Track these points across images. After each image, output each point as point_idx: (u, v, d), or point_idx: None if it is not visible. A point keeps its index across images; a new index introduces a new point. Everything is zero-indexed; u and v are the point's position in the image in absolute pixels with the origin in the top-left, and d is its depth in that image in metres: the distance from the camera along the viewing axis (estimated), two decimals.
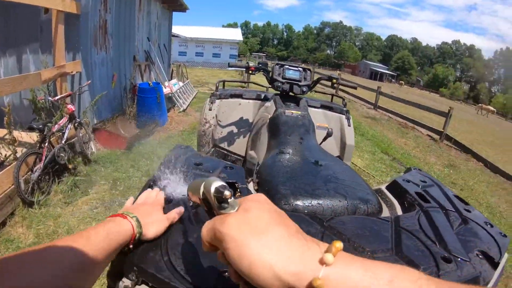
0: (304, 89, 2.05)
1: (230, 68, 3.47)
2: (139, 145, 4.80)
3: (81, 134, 3.78)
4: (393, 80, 60.11)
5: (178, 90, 8.03)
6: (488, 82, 67.73)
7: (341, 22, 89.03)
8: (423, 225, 1.02)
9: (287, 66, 2.09)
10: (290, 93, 2.07)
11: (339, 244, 0.34)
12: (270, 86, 2.14)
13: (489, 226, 1.11)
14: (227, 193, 0.40)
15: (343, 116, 2.35)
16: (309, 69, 2.14)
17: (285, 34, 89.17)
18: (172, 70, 10.88)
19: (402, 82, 48.47)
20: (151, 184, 0.94)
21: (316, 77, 2.34)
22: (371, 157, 5.93)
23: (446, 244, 0.93)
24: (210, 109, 2.22)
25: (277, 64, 2.09)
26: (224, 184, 0.42)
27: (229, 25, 72.25)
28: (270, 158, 1.49)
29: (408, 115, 10.02)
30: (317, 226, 0.93)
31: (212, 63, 26.20)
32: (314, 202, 1.09)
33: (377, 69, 59.47)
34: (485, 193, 5.42)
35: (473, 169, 6.70)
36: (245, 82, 3.10)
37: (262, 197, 0.43)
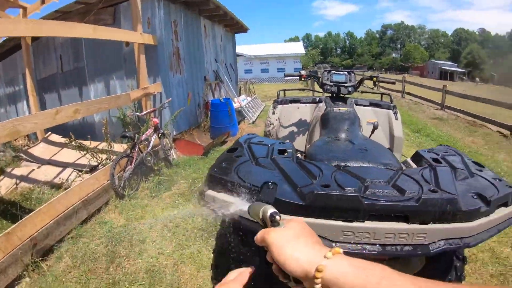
0: (350, 89, 2.38)
1: (286, 78, 3.84)
2: (214, 152, 5.42)
3: (164, 143, 4.49)
4: (465, 78, 54.52)
5: (247, 105, 8.67)
6: None
7: (402, 22, 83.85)
8: (424, 175, 1.25)
9: (333, 72, 2.45)
10: (340, 94, 2.39)
11: (338, 249, 0.51)
12: (322, 91, 2.50)
13: (497, 180, 1.29)
14: (277, 217, 0.60)
15: (391, 111, 2.56)
16: (353, 72, 2.48)
17: (347, 42, 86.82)
18: (240, 87, 11.70)
19: (478, 79, 43.53)
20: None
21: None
22: None
23: (440, 184, 1.15)
24: (273, 113, 2.59)
25: (325, 70, 2.47)
26: (276, 211, 0.61)
27: (291, 40, 73.04)
28: (317, 141, 1.85)
29: (477, 113, 9.24)
30: (337, 170, 1.23)
31: (277, 78, 26.85)
32: (347, 163, 1.40)
33: (446, 67, 54.93)
34: None
35: None
36: (301, 90, 3.50)
37: (299, 219, 0.64)
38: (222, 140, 6.05)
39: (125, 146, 4.02)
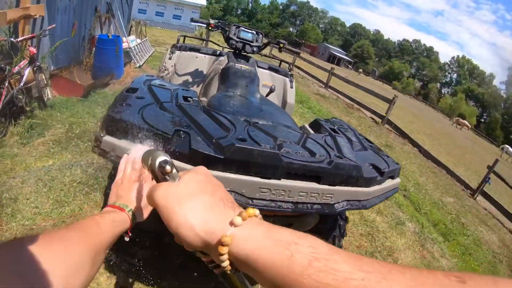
0: (255, 49, 2.39)
1: (192, 23, 3.60)
2: (95, 94, 4.89)
3: (39, 79, 3.82)
4: (349, 66, 61.98)
5: (136, 47, 7.97)
6: (440, 84, 72.95)
7: (308, 2, 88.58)
8: (327, 141, 1.38)
9: (242, 28, 2.39)
10: (243, 52, 2.38)
11: (252, 211, 0.39)
12: (226, 45, 2.46)
13: (385, 156, 1.51)
14: (168, 167, 0.45)
15: (287, 79, 2.69)
16: (262, 33, 2.47)
17: (250, 5, 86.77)
18: (131, 27, 10.54)
19: (361, 70, 49.76)
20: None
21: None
22: None
23: (342, 152, 1.29)
24: (170, 58, 2.46)
25: (234, 25, 2.40)
26: (167, 159, 0.47)
27: None
28: (218, 94, 1.85)
29: (356, 98, 10.74)
30: (248, 125, 1.23)
31: (172, 24, 25.14)
32: (254, 119, 1.40)
33: (336, 53, 60.72)
34: (415, 173, 6.17)
35: (407, 152, 7.47)
36: (203, 40, 3.35)
37: (201, 169, 0.48)
38: (105, 82, 5.48)
39: None
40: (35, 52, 3.58)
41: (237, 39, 2.34)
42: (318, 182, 1.12)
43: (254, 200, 1.05)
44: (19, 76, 3.47)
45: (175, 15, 25.56)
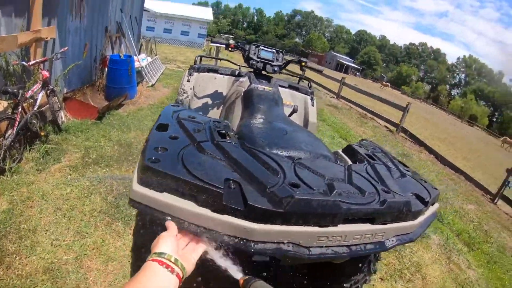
0: (276, 68, 2.30)
1: (212, 44, 3.59)
2: (110, 116, 4.79)
3: (52, 102, 3.72)
4: (357, 73, 61.98)
5: (147, 65, 7.91)
6: (449, 85, 71.94)
7: (312, 11, 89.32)
8: (369, 172, 1.31)
9: (262, 47, 2.31)
10: (263, 72, 2.29)
11: None
12: (244, 64, 2.37)
13: (423, 181, 1.43)
14: None
15: (308, 97, 2.62)
16: (282, 52, 2.39)
17: (255, 18, 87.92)
18: (141, 45, 10.58)
19: (386, 83, 48.07)
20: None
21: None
22: (330, 141, 6.35)
23: (386, 184, 1.22)
24: (188, 81, 2.37)
25: (253, 44, 2.32)
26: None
27: (200, 4, 70.00)
28: (247, 121, 1.73)
29: (368, 107, 10.58)
30: (293, 164, 1.17)
31: (180, 40, 25.49)
32: (290, 153, 1.35)
33: (343, 61, 60.70)
34: (434, 181, 5.87)
35: (424, 160, 7.25)
36: (221, 59, 3.29)
37: None
38: (118, 103, 5.38)
39: (5, 104, 3.15)
40: (48, 75, 3.49)
41: (258, 59, 2.28)
42: (372, 223, 1.09)
43: (311, 249, 0.98)
44: (32, 100, 3.37)
45: (183, 31, 25.89)
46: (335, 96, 11.99)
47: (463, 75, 73.16)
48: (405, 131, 8.88)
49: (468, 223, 4.70)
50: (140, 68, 7.23)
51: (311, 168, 1.17)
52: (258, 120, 1.73)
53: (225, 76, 2.52)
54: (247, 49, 2.31)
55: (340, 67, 57.24)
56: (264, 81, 2.23)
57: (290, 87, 2.63)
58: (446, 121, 26.97)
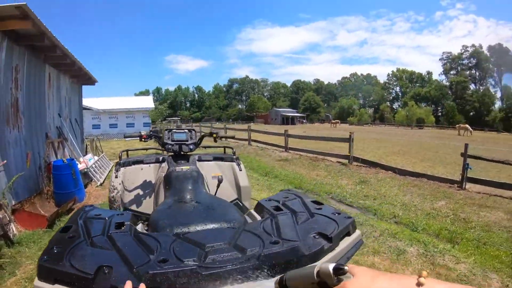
0: (191, 147, 2.43)
1: (127, 139, 3.64)
2: (60, 222, 4.64)
3: (0, 216, 3.58)
4: (304, 120, 65.16)
5: (94, 165, 7.87)
6: (389, 101, 77.38)
7: (247, 76, 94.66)
8: (265, 227, 1.32)
9: (174, 130, 2.45)
10: (182, 152, 2.41)
11: (425, 273, 0.56)
12: (163, 149, 2.47)
13: (336, 214, 1.42)
14: (346, 268, 0.56)
15: (234, 163, 2.67)
16: (193, 129, 2.54)
17: (196, 95, 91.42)
18: (86, 145, 10.57)
19: (338, 121, 50.14)
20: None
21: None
22: None
23: (281, 233, 1.23)
24: (116, 177, 2.39)
25: (166, 129, 2.47)
26: (336, 263, 0.58)
27: (141, 93, 71.60)
28: (159, 206, 1.79)
29: (318, 149, 10.96)
30: (175, 239, 1.20)
31: (126, 133, 25.56)
32: (189, 228, 1.37)
33: (287, 114, 63.83)
34: (398, 195, 6.10)
35: (383, 179, 7.44)
36: (145, 149, 3.33)
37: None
38: (67, 208, 5.22)
39: None
40: None
41: (172, 142, 2.39)
42: (255, 280, 1.03)
43: None
44: None
45: (128, 123, 26.19)
46: (284, 150, 12.40)
47: (398, 87, 79.33)
48: (357, 159, 9.20)
49: (443, 220, 4.74)
50: (86, 169, 7.18)
51: (193, 240, 1.19)
52: (171, 202, 1.76)
53: (150, 164, 2.54)
54: (161, 135, 2.43)
55: (286, 120, 59.91)
56: (183, 161, 2.32)
57: (215, 158, 2.68)
58: (397, 134, 27.87)
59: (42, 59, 6.20)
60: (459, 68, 69.54)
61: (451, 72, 70.40)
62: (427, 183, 6.88)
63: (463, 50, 68.88)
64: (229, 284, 0.99)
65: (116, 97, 29.53)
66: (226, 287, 0.99)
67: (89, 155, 8.81)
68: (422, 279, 0.53)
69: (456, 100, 62.16)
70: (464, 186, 6.34)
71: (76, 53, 6.94)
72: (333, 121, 47.38)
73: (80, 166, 6.73)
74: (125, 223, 1.31)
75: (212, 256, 1.06)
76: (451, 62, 71.10)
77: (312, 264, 0.57)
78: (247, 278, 1.02)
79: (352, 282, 0.56)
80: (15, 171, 4.42)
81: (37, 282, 1.00)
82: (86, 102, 16.65)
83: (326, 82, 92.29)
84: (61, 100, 7.62)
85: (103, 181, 7.59)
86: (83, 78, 9.26)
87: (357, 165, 9.02)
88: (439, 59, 73.99)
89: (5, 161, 3.99)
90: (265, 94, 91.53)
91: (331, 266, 0.56)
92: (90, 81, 10.01)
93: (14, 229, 3.92)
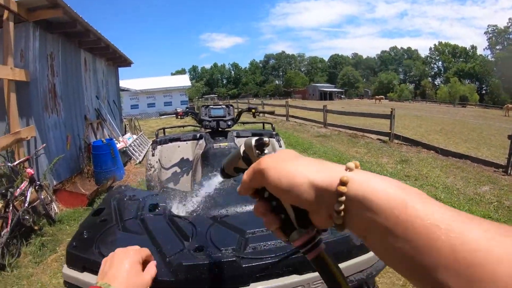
0: (229, 123, 2.36)
1: (162, 117, 3.70)
2: (99, 200, 4.89)
3: (42, 196, 3.86)
4: (342, 96, 63.65)
5: (133, 143, 8.18)
6: (430, 77, 73.54)
7: (283, 52, 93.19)
8: None
9: (211, 106, 2.40)
10: (220, 129, 2.35)
11: (357, 163, 0.39)
12: (201, 126, 2.43)
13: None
14: (266, 139, 0.51)
15: (274, 140, 2.61)
16: (231, 105, 2.48)
17: (232, 72, 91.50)
18: (125, 125, 11.02)
19: (383, 97, 48.74)
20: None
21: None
22: None
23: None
24: (153, 155, 2.40)
25: (203, 106, 2.42)
26: (261, 137, 0.53)
27: (178, 72, 73.13)
28: (196, 185, 1.76)
29: (357, 125, 10.63)
30: (212, 224, 1.14)
31: (165, 111, 26.35)
32: (228, 210, 1.28)
33: (325, 89, 62.60)
34: (440, 177, 5.79)
35: (425, 159, 7.08)
36: (182, 126, 3.31)
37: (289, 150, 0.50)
38: (107, 186, 5.51)
39: None
40: (33, 172, 3.67)
41: (210, 119, 2.34)
42: (299, 274, 0.93)
43: None
44: (22, 198, 3.52)
45: (166, 102, 26.85)
46: (322, 126, 12.16)
47: (440, 62, 74.95)
48: (398, 137, 8.80)
49: (487, 207, 4.50)
50: (125, 148, 7.49)
51: (232, 224, 1.11)
52: (205, 182, 1.71)
53: (187, 142, 2.53)
54: (198, 112, 2.41)
55: (324, 96, 58.73)
56: (220, 138, 2.27)
57: (254, 134, 2.61)
58: (439, 111, 26.37)
59: (77, 45, 6.43)
60: (505, 43, 64.07)
61: (497, 47, 65.05)
62: (471, 165, 6.44)
63: (510, 24, 63.03)
64: (273, 277, 0.90)
65: (153, 77, 30.33)
66: (268, 281, 0.90)
67: (128, 134, 9.18)
68: (351, 164, 0.38)
69: (502, 77, 56.71)
70: (510, 171, 5.86)
71: (112, 36, 7.13)
72: (377, 96, 45.71)
73: (119, 145, 7.04)
74: (160, 204, 1.28)
75: (253, 245, 0.97)
76: (497, 36, 65.69)
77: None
78: (291, 271, 0.92)
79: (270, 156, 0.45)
80: (56, 153, 4.72)
81: (65, 269, 0.98)
82: (124, 83, 17.19)
83: (364, 56, 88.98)
84: (98, 83, 7.93)
85: (142, 159, 7.89)
86: (118, 60, 9.55)
87: (398, 143, 8.60)
88: (484, 33, 68.83)
89: (44, 144, 4.25)
90: (302, 69, 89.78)
91: (254, 138, 0.52)
92: (126, 63, 10.31)
93: (56, 208, 4.22)
